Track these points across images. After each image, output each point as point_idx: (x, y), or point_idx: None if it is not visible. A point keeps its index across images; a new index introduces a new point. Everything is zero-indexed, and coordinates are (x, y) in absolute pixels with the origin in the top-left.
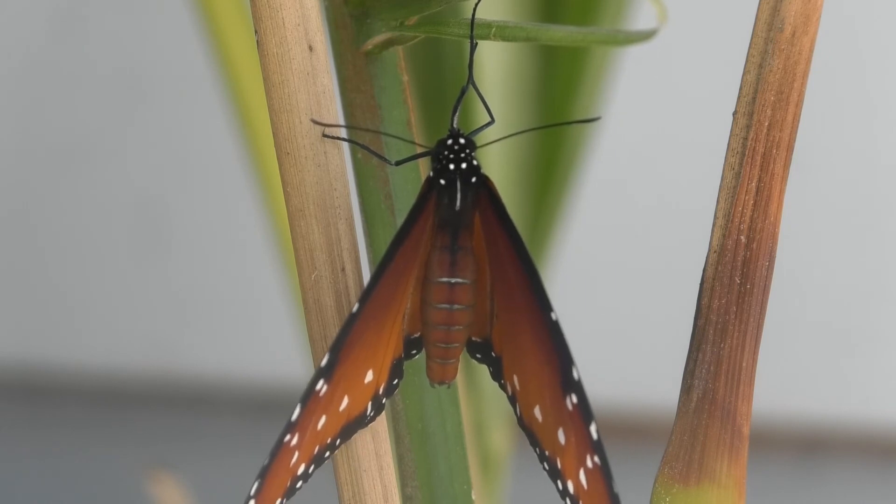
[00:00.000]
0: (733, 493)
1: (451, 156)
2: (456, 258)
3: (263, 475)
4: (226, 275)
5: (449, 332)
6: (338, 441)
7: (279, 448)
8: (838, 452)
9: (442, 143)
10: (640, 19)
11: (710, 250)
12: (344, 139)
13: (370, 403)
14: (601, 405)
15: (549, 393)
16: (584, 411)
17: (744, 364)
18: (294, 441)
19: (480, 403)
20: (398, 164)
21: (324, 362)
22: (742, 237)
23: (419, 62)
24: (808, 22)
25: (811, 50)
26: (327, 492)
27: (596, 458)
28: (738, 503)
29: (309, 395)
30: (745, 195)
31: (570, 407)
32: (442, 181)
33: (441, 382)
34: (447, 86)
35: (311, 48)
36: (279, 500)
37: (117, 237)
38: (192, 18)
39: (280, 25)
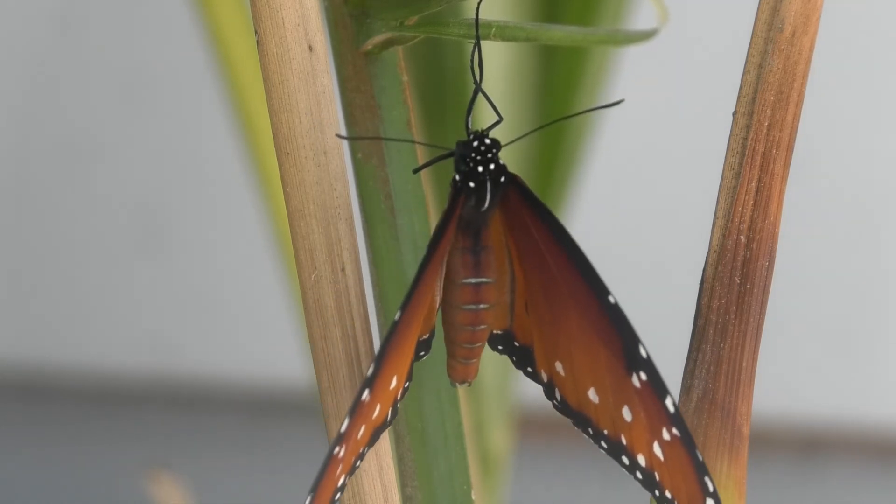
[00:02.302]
0: (733, 493)
1: (479, 157)
2: (479, 258)
3: (315, 489)
4: (226, 275)
5: (474, 332)
6: (366, 449)
7: (329, 462)
8: (838, 452)
9: (466, 145)
10: (640, 19)
11: (710, 250)
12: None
13: (391, 409)
14: None
15: (608, 374)
16: (657, 386)
17: (744, 364)
18: (341, 453)
19: (480, 403)
20: (416, 171)
21: (369, 372)
22: (742, 237)
23: (419, 62)
24: (808, 22)
25: (811, 50)
26: None
27: (674, 430)
28: (738, 503)
29: (356, 405)
30: (745, 195)
31: (637, 384)
32: (471, 184)
33: (463, 382)
34: (447, 86)
35: (310, 48)
36: None
37: (117, 237)
38: (192, 18)
39: (280, 25)
